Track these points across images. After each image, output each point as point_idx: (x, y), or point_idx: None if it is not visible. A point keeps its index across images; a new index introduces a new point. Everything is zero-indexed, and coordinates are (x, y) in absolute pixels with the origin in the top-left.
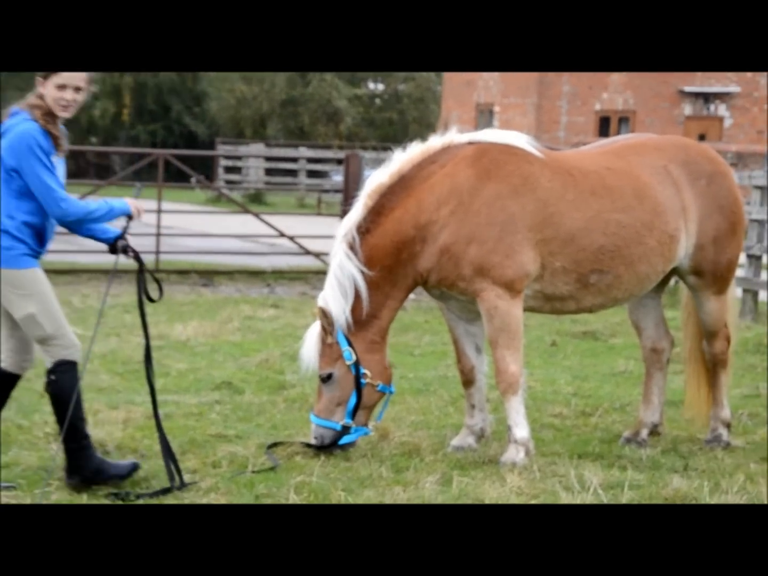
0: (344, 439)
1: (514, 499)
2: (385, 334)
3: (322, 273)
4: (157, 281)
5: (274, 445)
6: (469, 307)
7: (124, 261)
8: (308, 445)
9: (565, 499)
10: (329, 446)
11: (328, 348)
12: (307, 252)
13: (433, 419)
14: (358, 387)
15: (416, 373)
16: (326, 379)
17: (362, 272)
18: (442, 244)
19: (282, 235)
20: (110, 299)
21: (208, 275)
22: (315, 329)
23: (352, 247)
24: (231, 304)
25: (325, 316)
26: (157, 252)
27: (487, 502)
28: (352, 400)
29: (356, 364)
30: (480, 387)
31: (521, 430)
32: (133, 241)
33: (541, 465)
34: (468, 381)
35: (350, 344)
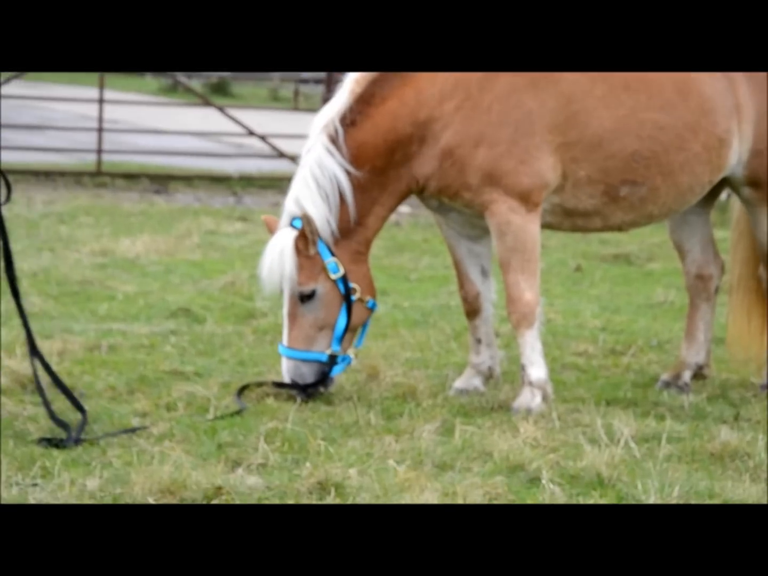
0: (334, 369)
1: (529, 453)
2: (370, 245)
3: None
4: (4, 176)
5: (244, 387)
6: (474, 222)
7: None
8: (282, 386)
9: (590, 453)
10: (316, 384)
11: (307, 261)
12: (281, 154)
13: (432, 357)
14: (348, 304)
15: (412, 302)
16: (308, 297)
17: (347, 172)
18: (445, 146)
19: (251, 133)
20: (42, 207)
21: (162, 180)
22: (283, 240)
23: (334, 141)
24: (189, 215)
25: (308, 222)
26: (99, 151)
27: (495, 455)
28: (341, 321)
29: (344, 278)
30: (487, 318)
31: (537, 370)
32: (70, 137)
33: (561, 412)
34: (473, 311)
35: (333, 255)
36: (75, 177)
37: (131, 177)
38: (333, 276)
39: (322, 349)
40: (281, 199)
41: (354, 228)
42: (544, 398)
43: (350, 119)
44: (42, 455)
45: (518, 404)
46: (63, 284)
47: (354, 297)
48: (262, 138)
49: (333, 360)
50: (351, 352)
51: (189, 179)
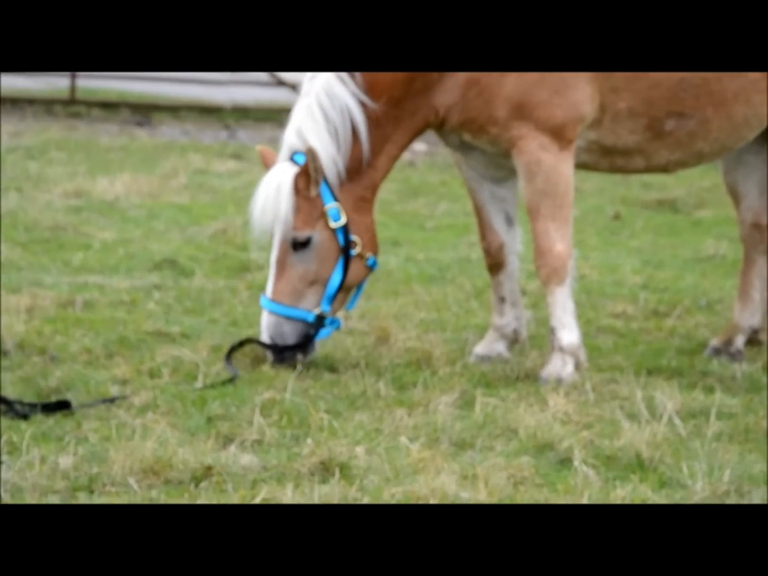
0: (320, 333)
1: (559, 430)
2: (376, 190)
3: None
4: None
5: (235, 348)
6: (500, 163)
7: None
8: (259, 344)
9: (629, 430)
10: (296, 347)
11: (306, 203)
12: (281, 82)
13: (450, 318)
14: (347, 258)
15: (428, 254)
16: (302, 245)
17: (362, 103)
18: (470, 73)
19: None
20: (8, 139)
21: (145, 111)
22: (281, 175)
23: None
24: (176, 151)
25: (312, 158)
26: (73, 75)
27: (521, 432)
28: (336, 278)
29: (345, 228)
30: (512, 273)
31: (569, 333)
32: None
33: (596, 383)
34: (496, 265)
35: (336, 200)
36: (45, 105)
37: (109, 106)
38: (333, 224)
39: (310, 307)
40: (280, 133)
41: (362, 170)
42: (577, 366)
43: None
44: (8, 428)
45: (547, 373)
46: (32, 230)
47: (353, 251)
48: None
49: (320, 321)
50: (341, 315)
51: (175, 110)
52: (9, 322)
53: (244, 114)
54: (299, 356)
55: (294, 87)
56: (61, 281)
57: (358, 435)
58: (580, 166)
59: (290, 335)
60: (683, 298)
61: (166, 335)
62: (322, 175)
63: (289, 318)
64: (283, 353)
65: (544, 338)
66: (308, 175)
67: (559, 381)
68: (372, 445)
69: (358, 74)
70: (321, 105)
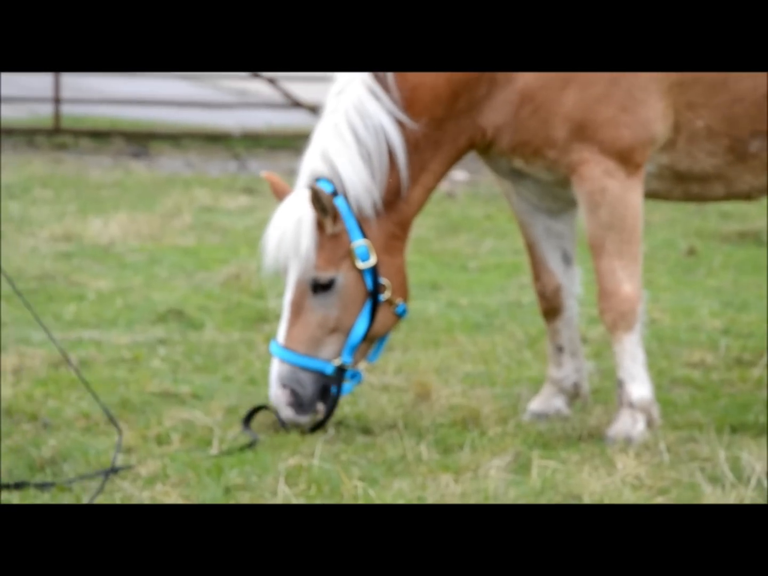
0: (338, 389)
1: (629, 495)
2: (409, 227)
3: None
4: None
5: (255, 411)
6: (555, 192)
7: None
8: (278, 417)
9: (711, 496)
10: (310, 406)
11: (330, 239)
12: (297, 104)
13: (499, 370)
14: (374, 304)
15: (472, 299)
16: (323, 287)
17: (400, 123)
18: (524, 87)
19: (256, 75)
20: None
21: (140, 140)
22: (301, 206)
23: (380, 81)
24: (178, 186)
25: (317, 198)
26: (56, 100)
27: (585, 499)
28: (361, 326)
29: (373, 270)
30: (570, 319)
31: (640, 387)
32: (16, 81)
33: (671, 442)
34: (552, 309)
35: (364, 237)
36: (26, 136)
37: (100, 135)
38: (360, 265)
39: (329, 357)
40: (297, 163)
41: (393, 202)
42: (649, 424)
43: None
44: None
45: (615, 432)
46: (16, 280)
47: (382, 296)
48: (271, 81)
49: (340, 374)
50: (362, 368)
51: (176, 138)
52: None
53: (255, 141)
54: (319, 409)
55: (313, 109)
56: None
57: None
58: (650, 195)
59: (308, 385)
60: None
61: (174, 396)
62: (333, 213)
63: (306, 369)
64: (302, 411)
65: (609, 392)
66: (329, 208)
67: (628, 440)
68: None
69: (393, 89)
70: (351, 124)
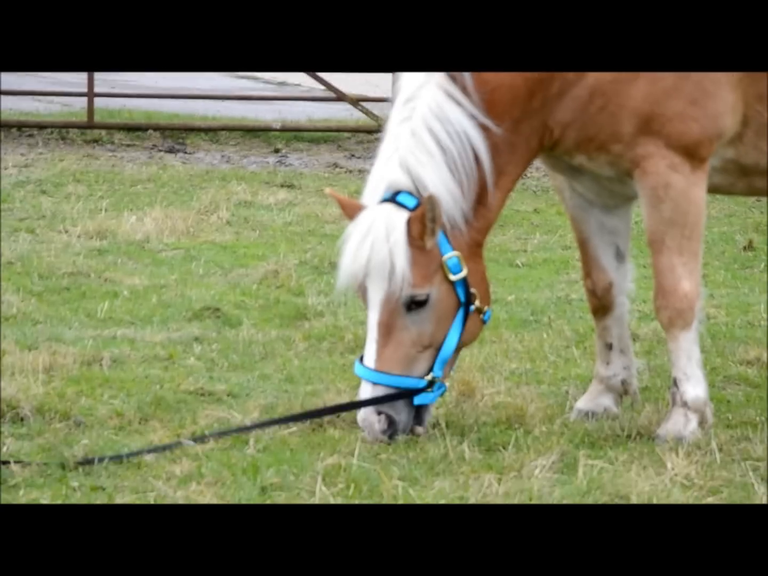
0: (422, 399)
1: (679, 496)
2: (490, 231)
3: (366, 132)
4: None
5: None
6: (613, 188)
7: None
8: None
9: (764, 495)
10: (404, 431)
11: (422, 255)
12: (340, 97)
13: (546, 368)
14: (466, 314)
15: (519, 295)
16: (418, 304)
17: (484, 128)
18: (594, 83)
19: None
20: (16, 172)
21: (176, 134)
22: (390, 222)
23: (459, 83)
24: (215, 181)
25: (433, 206)
26: (90, 94)
27: (634, 499)
28: (453, 338)
29: (464, 281)
30: (621, 316)
31: (695, 386)
32: (48, 75)
33: (723, 441)
34: (602, 307)
35: (453, 248)
36: (58, 130)
37: (135, 130)
38: (453, 277)
39: (422, 373)
40: (341, 159)
41: (476, 210)
42: (701, 423)
43: None
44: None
45: (665, 431)
46: (48, 277)
47: (472, 306)
48: (311, 73)
49: (428, 387)
50: (447, 380)
51: (213, 132)
52: (26, 384)
53: (295, 135)
54: (418, 429)
55: (355, 102)
56: (84, 335)
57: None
58: (712, 189)
59: (403, 412)
60: None
61: (209, 395)
62: (440, 225)
63: (398, 389)
64: (394, 428)
65: (659, 390)
66: (423, 223)
67: (679, 440)
68: None
69: (473, 91)
70: (432, 132)
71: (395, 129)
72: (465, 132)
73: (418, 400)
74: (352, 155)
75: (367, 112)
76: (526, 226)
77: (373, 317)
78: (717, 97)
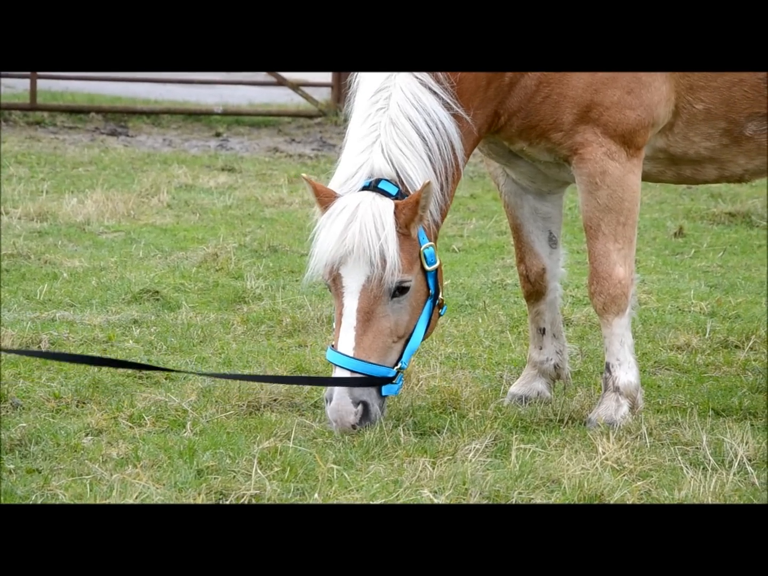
0: (388, 390)
1: (609, 479)
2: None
3: (306, 117)
4: None
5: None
6: (548, 174)
7: None
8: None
9: (692, 479)
10: (376, 418)
11: (407, 243)
12: (281, 82)
13: (481, 353)
14: (433, 306)
15: (454, 280)
16: (402, 291)
17: (458, 117)
18: (542, 74)
19: None
20: None
21: (118, 117)
22: (378, 209)
23: (432, 74)
24: (157, 164)
25: (428, 193)
26: (33, 77)
27: (565, 483)
28: (420, 330)
29: (435, 273)
30: (553, 301)
31: (627, 372)
32: None
33: (653, 426)
34: (535, 292)
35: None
36: (1, 112)
37: (77, 112)
38: (428, 267)
39: (392, 363)
40: (281, 143)
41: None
42: (633, 408)
43: None
44: None
45: (596, 415)
46: None
47: (438, 299)
48: None
49: (394, 379)
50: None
51: (155, 115)
52: None
53: (236, 119)
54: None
55: (296, 87)
56: (23, 317)
57: (373, 488)
58: (642, 177)
59: (377, 399)
60: (757, 327)
61: (147, 378)
62: (425, 213)
63: (374, 377)
64: (368, 423)
65: (591, 375)
66: (412, 210)
67: (610, 424)
68: (390, 499)
69: (444, 80)
70: (411, 121)
71: (373, 118)
72: (441, 122)
73: (385, 390)
74: (293, 140)
75: (307, 97)
76: (462, 211)
77: (351, 304)
78: (652, 88)
